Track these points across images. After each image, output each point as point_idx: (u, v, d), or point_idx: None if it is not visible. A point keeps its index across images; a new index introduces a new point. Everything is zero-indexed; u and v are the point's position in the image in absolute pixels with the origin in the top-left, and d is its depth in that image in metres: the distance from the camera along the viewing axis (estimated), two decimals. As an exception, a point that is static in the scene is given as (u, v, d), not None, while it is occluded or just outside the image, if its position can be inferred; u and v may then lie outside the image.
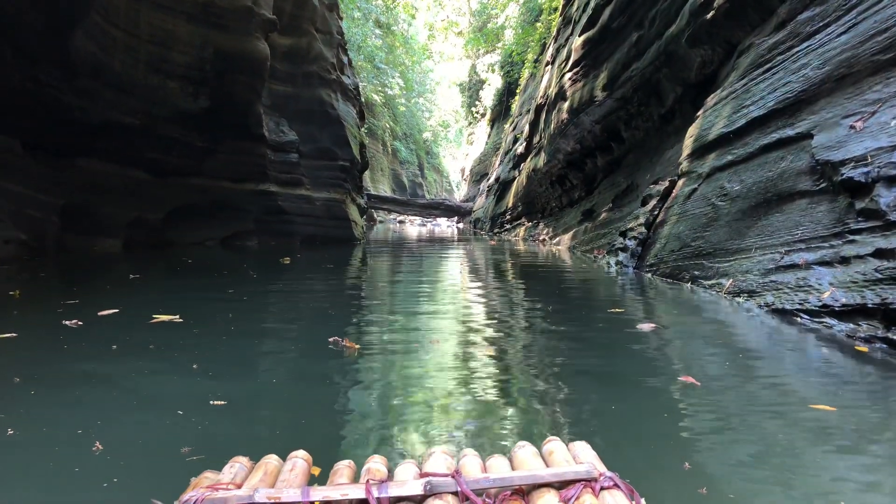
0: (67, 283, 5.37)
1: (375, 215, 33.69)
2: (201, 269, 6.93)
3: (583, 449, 1.46)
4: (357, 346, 3.02)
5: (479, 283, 6.83)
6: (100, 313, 3.56)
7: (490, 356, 3.10)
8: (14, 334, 3.04)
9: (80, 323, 3.26)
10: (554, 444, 1.48)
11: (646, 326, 3.66)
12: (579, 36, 12.92)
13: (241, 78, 9.59)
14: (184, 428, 2.05)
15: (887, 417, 2.23)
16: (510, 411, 2.35)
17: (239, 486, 1.23)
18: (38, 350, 2.91)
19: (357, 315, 4.34)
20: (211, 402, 2.23)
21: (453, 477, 1.28)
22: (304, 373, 2.81)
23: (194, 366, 2.65)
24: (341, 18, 16.06)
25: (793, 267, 4.33)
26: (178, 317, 3.50)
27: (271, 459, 1.37)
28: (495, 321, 4.23)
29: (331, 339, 3.10)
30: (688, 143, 7.10)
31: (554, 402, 2.47)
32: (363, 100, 22.85)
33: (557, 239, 13.76)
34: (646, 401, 2.45)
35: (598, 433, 2.04)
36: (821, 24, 5.21)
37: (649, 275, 6.77)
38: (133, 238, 8.71)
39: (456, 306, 4.90)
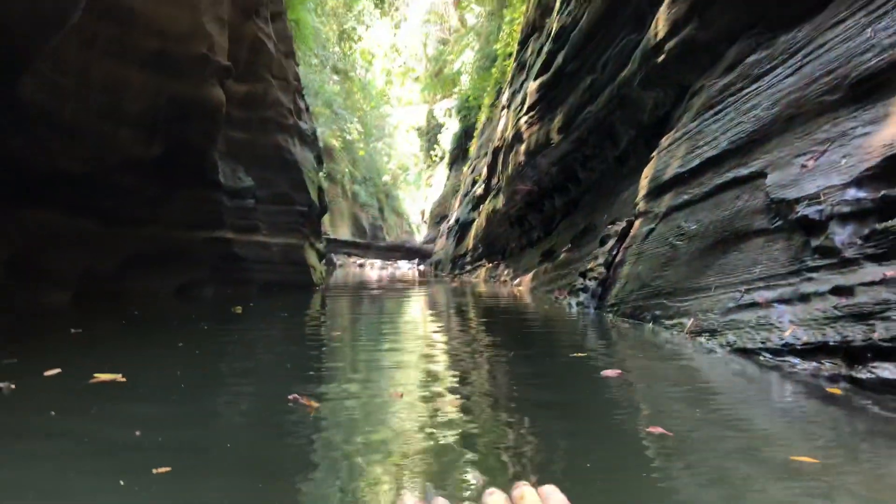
0: (8, 341, 5.08)
1: (336, 259, 33.38)
2: (150, 322, 6.67)
3: (552, 493, 1.37)
4: (316, 405, 2.86)
5: (441, 328, 6.71)
6: (46, 373, 3.33)
7: (453, 407, 2.98)
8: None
9: (12, 386, 3.03)
10: (524, 489, 1.39)
11: (611, 373, 3.57)
12: (534, 80, 13.16)
13: (196, 125, 9.43)
14: (126, 500, 1.87)
15: (874, 469, 2.17)
16: (476, 460, 2.25)
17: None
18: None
19: (315, 367, 4.17)
20: (154, 471, 2.04)
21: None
22: (259, 434, 2.65)
23: (137, 432, 2.44)
24: (298, 65, 16.07)
25: (753, 305, 4.33)
26: (121, 375, 3.28)
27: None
28: (458, 370, 4.12)
29: (290, 397, 2.92)
30: (644, 184, 7.18)
31: (521, 452, 2.37)
32: (322, 145, 22.80)
33: (518, 280, 13.75)
34: (617, 453, 2.35)
35: (568, 485, 1.93)
36: (768, 66, 5.35)
37: (611, 315, 6.74)
38: (83, 290, 8.36)
39: (418, 354, 4.78)
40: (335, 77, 41.51)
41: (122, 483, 1.96)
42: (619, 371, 3.61)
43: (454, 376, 3.87)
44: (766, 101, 5.14)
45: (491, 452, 2.39)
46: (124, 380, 3.26)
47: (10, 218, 7.49)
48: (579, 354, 4.30)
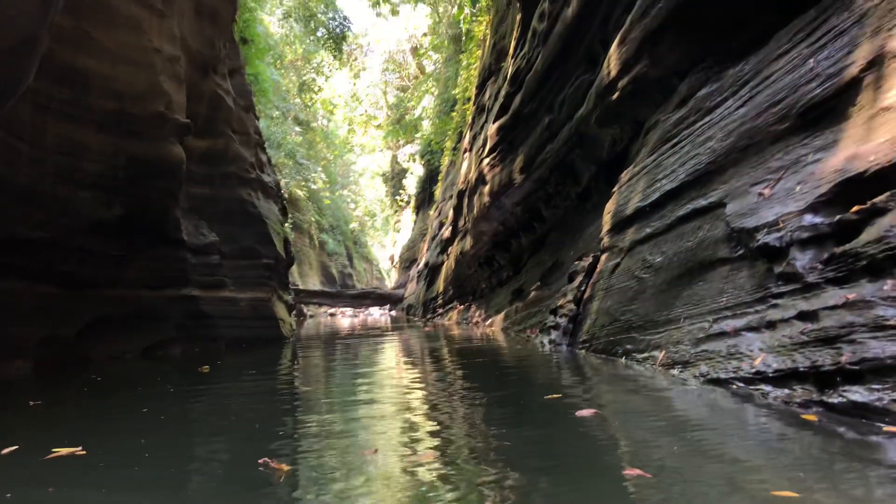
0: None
1: (306, 310, 33.02)
2: (114, 388, 6.47)
3: None
4: (287, 467, 2.75)
5: (415, 375, 6.61)
6: (2, 452, 3.16)
7: (428, 459, 2.90)
8: None
9: None
10: None
11: (586, 412, 3.53)
12: (493, 123, 13.36)
13: (156, 183, 9.32)
14: None
15: (855, 500, 2.15)
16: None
17: None
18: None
19: (286, 426, 4.04)
20: None
21: None
22: (229, 502, 2.54)
23: None
24: (258, 118, 16.12)
25: (722, 335, 4.36)
26: (80, 448, 3.13)
27: None
28: (433, 419, 4.04)
29: (260, 461, 2.81)
30: (607, 219, 7.26)
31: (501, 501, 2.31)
32: (286, 195, 22.76)
33: (490, 320, 13.72)
34: (596, 497, 2.30)
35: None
36: (719, 98, 5.49)
37: (583, 351, 6.73)
38: (44, 357, 8.08)
39: (392, 405, 4.68)
40: (297, 128, 41.73)
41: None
42: (595, 410, 3.57)
43: (429, 425, 3.80)
44: (720, 132, 5.26)
45: (468, 495, 2.33)
46: (84, 452, 3.11)
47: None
48: (554, 396, 4.26)
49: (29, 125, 7.52)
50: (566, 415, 3.66)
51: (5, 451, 3.19)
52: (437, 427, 3.74)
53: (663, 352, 5.08)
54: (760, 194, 4.43)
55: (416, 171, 45.33)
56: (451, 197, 23.10)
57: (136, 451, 3.29)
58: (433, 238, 27.56)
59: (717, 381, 4.11)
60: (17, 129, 7.32)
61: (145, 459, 3.14)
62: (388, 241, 66.04)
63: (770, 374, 3.65)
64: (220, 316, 11.25)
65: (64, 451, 3.12)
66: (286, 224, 17.17)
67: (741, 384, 3.88)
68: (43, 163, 7.75)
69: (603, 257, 7.16)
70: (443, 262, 22.49)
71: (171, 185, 9.61)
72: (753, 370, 3.82)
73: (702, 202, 5.22)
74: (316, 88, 46.75)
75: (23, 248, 7.83)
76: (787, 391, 3.51)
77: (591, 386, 4.99)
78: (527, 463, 2.82)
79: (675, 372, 4.72)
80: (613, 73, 7.61)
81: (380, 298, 39.21)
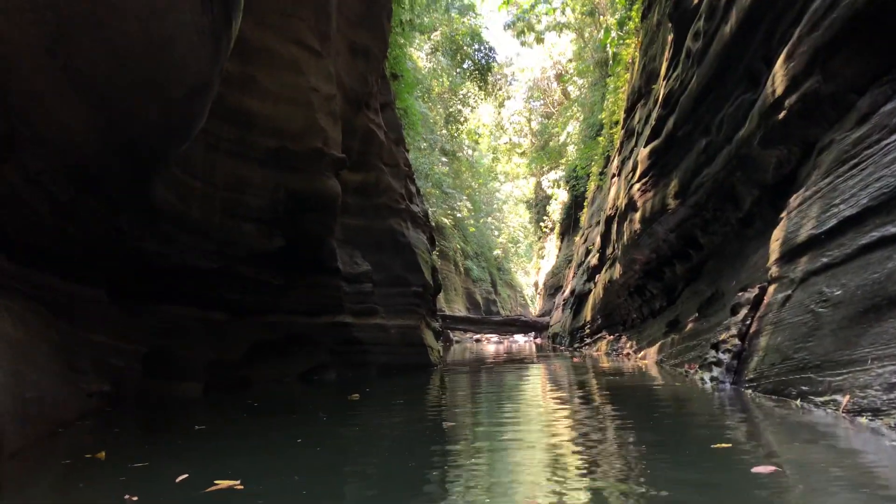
0: (140, 439, 5.30)
1: (452, 335, 33.48)
2: (270, 413, 6.78)
3: None
4: None
5: (566, 413, 6.40)
6: (177, 479, 3.37)
7: None
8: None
9: (134, 500, 3.07)
10: None
11: (763, 469, 3.11)
12: (644, 147, 12.91)
13: (313, 216, 9.85)
14: None
15: None
16: None
17: None
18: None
19: (439, 465, 3.97)
20: None
21: None
22: None
23: None
24: (408, 150, 16.68)
25: (923, 380, 3.82)
26: (239, 482, 3.25)
27: None
28: (588, 465, 3.81)
29: None
30: (774, 247, 6.71)
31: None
32: (433, 224, 23.31)
33: (643, 353, 13.14)
34: None
35: None
36: (909, 114, 4.91)
37: (749, 391, 6.21)
38: (212, 380, 8.72)
39: (544, 447, 4.53)
40: (443, 158, 42.84)
41: None
42: (774, 467, 3.16)
43: (584, 475, 3.59)
44: (911, 151, 4.69)
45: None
46: (241, 487, 3.23)
47: (145, 314, 8.00)
48: (723, 445, 3.87)
49: (201, 163, 8.22)
50: (739, 470, 3.28)
51: (179, 478, 3.39)
52: (594, 476, 3.51)
53: (847, 396, 4.55)
54: (967, 221, 3.88)
55: (561, 196, 44.89)
56: (597, 223, 22.58)
57: (292, 488, 3.35)
58: (579, 265, 27.02)
59: (918, 435, 3.60)
60: (191, 167, 8.02)
61: (302, 497, 3.20)
62: (532, 268, 65.71)
63: None
64: (372, 342, 11.62)
65: (224, 483, 3.25)
66: (433, 252, 17.53)
67: (951, 440, 3.37)
68: (212, 198, 8.43)
69: (771, 289, 6.61)
70: (590, 291, 21.94)
71: (327, 217, 10.12)
72: (966, 424, 3.30)
73: (891, 229, 4.66)
74: (462, 119, 47.87)
75: (193, 277, 8.54)
76: None
77: (765, 434, 4.54)
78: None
79: (863, 420, 4.20)
80: (779, 90, 7.07)
81: (524, 326, 38.99)
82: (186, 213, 8.02)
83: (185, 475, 3.41)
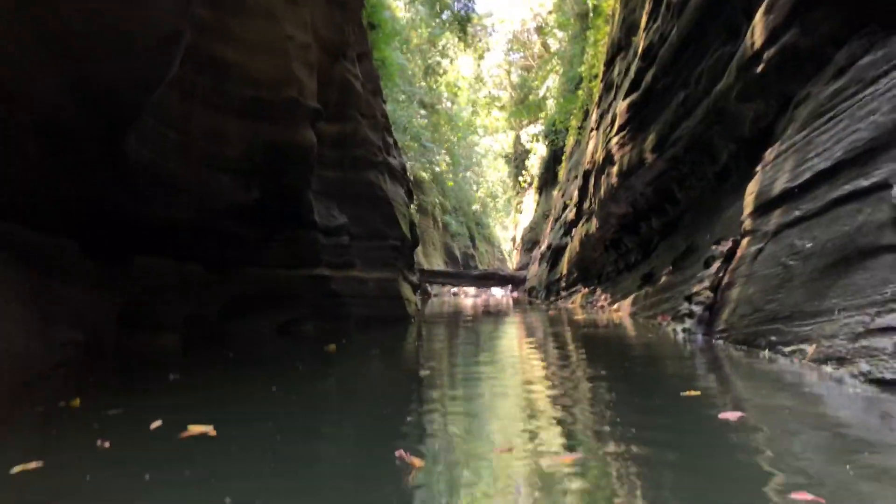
0: (115, 388, 5.30)
1: (430, 289, 33.63)
2: (247, 364, 6.78)
3: None
4: (420, 463, 2.67)
5: (541, 362, 6.50)
6: (151, 426, 3.37)
7: (565, 465, 2.68)
8: (40, 463, 2.80)
9: (107, 445, 3.06)
10: None
11: (730, 415, 3.19)
12: (623, 100, 12.85)
13: (290, 167, 9.73)
14: None
15: None
16: None
17: None
18: (60, 486, 2.66)
19: (414, 413, 4.01)
20: None
21: None
22: (357, 494, 2.53)
23: (227, 499, 2.34)
24: (385, 102, 16.44)
25: (887, 330, 3.92)
26: (212, 428, 3.24)
27: None
28: (563, 413, 3.88)
29: (397, 454, 2.75)
30: (749, 201, 6.78)
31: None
32: (412, 178, 23.17)
33: (617, 305, 13.32)
34: None
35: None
36: (886, 67, 4.92)
37: (720, 342, 6.35)
38: (190, 333, 8.69)
39: (520, 396, 4.61)
40: (422, 111, 42.30)
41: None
42: (741, 413, 3.25)
43: (557, 422, 3.66)
44: (886, 104, 4.72)
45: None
46: (215, 433, 3.23)
47: (122, 267, 7.90)
48: (692, 392, 3.96)
49: (176, 114, 8.02)
50: (707, 416, 3.38)
51: (153, 425, 3.40)
52: (568, 424, 3.59)
53: (814, 345, 4.67)
54: (937, 173, 3.94)
55: (540, 151, 44.72)
56: (575, 178, 22.59)
57: (265, 433, 3.38)
58: (556, 220, 27.13)
59: (881, 383, 3.70)
60: (166, 118, 7.83)
61: (276, 443, 3.21)
62: (510, 223, 65.89)
63: (948, 377, 3.25)
64: (350, 295, 11.63)
65: (197, 429, 3.25)
66: (411, 206, 17.47)
67: (911, 386, 3.48)
68: (188, 149, 8.26)
69: (744, 242, 6.70)
70: (566, 245, 22.09)
71: (303, 169, 9.99)
72: (926, 371, 3.41)
73: (862, 182, 4.72)
74: (441, 71, 47.20)
75: (170, 231, 8.43)
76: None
77: (733, 382, 4.66)
78: (668, 473, 2.60)
79: (828, 369, 4.31)
80: (758, 43, 7.05)
81: (502, 280, 39.20)
82: (162, 166, 7.86)
83: (159, 422, 3.41)
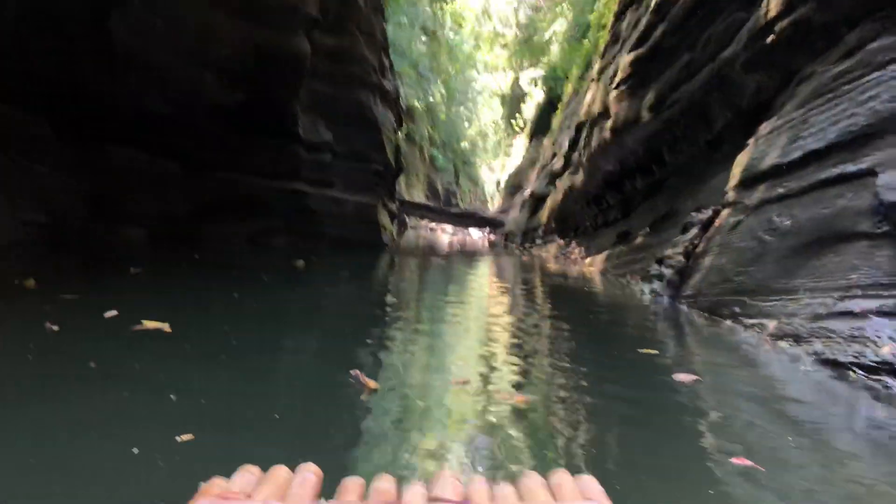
0: (74, 274, 5.20)
1: (408, 221, 33.52)
2: (212, 268, 6.71)
3: (590, 483, 1.20)
4: (374, 385, 2.67)
5: (508, 306, 6.53)
6: (106, 315, 3.32)
7: (517, 404, 2.73)
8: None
9: (55, 329, 3.00)
10: (561, 476, 1.21)
11: (684, 377, 3.23)
12: (628, 54, 12.59)
13: (279, 74, 9.45)
14: (141, 468, 1.78)
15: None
16: (529, 447, 2.15)
17: (249, 497, 1.00)
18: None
19: (374, 340, 3.99)
20: (177, 438, 1.93)
21: (462, 504, 1.04)
22: (310, 409, 2.52)
23: (172, 395, 2.32)
24: (386, 21, 15.95)
25: (847, 314, 3.98)
26: (167, 325, 3.20)
27: (281, 471, 1.13)
28: (522, 356, 3.92)
29: (352, 373, 2.74)
30: (736, 172, 6.74)
31: (578, 448, 2.19)
32: (405, 105, 22.73)
33: (590, 260, 13.39)
34: (699, 486, 2.05)
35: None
36: (894, 54, 4.84)
37: (685, 306, 6.42)
38: (159, 229, 8.57)
39: (482, 335, 4.63)
40: (423, 38, 41.20)
41: (135, 451, 1.85)
42: (695, 377, 3.29)
43: (518, 363, 3.69)
44: (887, 92, 4.66)
45: (546, 444, 2.24)
46: (170, 330, 3.19)
47: (95, 153, 7.70)
48: (649, 351, 4.02)
49: (164, 1, 7.67)
50: (661, 376, 3.41)
51: (107, 314, 3.34)
52: (527, 366, 3.62)
53: (775, 321, 4.72)
54: (926, 167, 3.93)
55: (537, 96, 44.05)
56: (568, 128, 22.33)
57: (220, 337, 3.35)
58: (543, 167, 26.96)
59: (832, 363, 3.77)
60: (153, 2, 7.49)
61: (230, 347, 3.20)
62: (497, 166, 65.40)
63: (898, 367, 3.31)
64: (326, 214, 11.53)
65: (152, 324, 3.21)
66: (400, 133, 17.19)
67: (861, 372, 3.54)
68: (175, 42, 7.96)
69: (724, 212, 6.69)
70: (549, 194, 22.00)
71: (293, 78, 9.72)
72: (878, 358, 3.47)
73: (850, 167, 4.70)
74: (447, -1, 45.82)
75: (150, 123, 8.19)
76: (915, 389, 3.17)
77: (691, 346, 4.72)
78: (614, 420, 2.64)
79: (784, 345, 4.38)
80: (773, 12, 6.88)
81: (481, 221, 39.15)
82: (145, 55, 7.58)
83: (115, 312, 3.37)
